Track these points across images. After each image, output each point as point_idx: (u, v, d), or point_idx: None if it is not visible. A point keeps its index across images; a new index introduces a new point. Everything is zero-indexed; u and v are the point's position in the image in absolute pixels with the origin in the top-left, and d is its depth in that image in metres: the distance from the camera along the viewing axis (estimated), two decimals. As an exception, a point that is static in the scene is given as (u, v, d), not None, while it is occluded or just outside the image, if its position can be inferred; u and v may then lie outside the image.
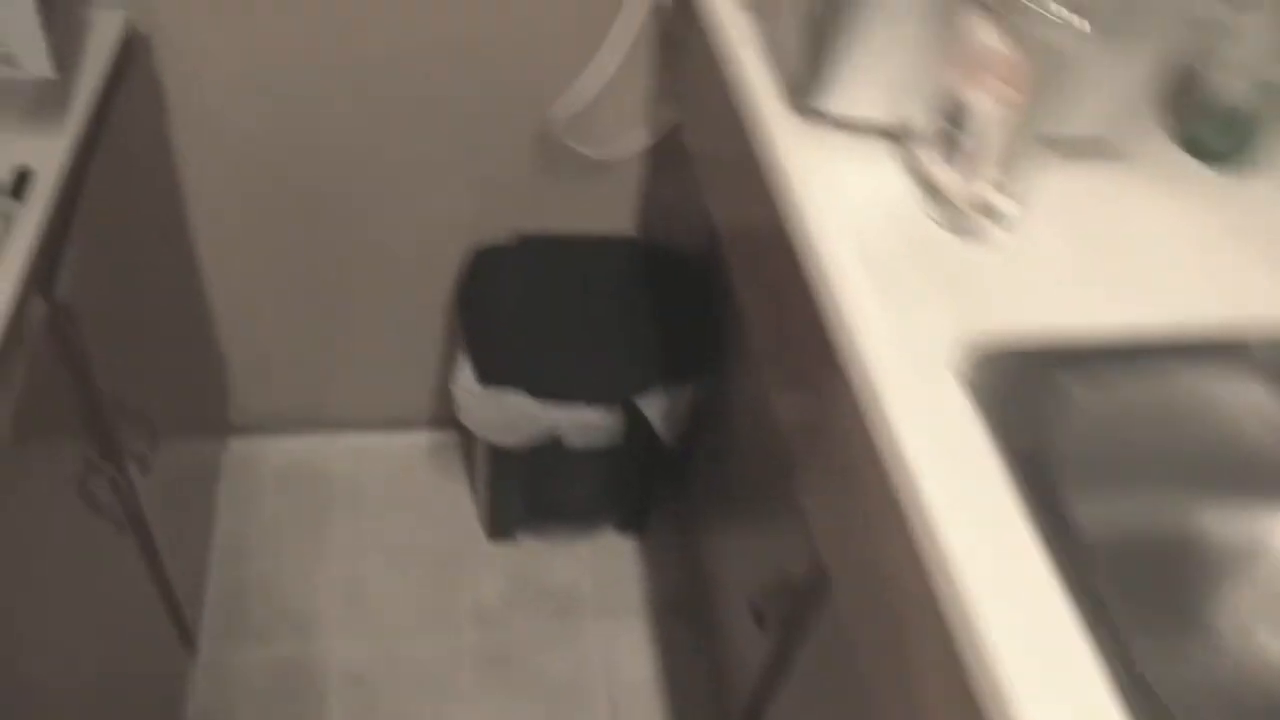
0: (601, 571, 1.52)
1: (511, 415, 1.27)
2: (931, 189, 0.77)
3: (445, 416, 1.59)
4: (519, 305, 1.29)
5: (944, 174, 0.75)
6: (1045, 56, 0.65)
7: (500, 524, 1.51)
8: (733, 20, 0.94)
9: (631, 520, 1.55)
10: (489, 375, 1.26)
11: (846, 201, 0.77)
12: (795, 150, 0.81)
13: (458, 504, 1.56)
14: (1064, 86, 0.66)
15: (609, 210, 1.41)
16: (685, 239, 1.37)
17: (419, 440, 1.63)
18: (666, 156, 1.34)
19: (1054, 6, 0.63)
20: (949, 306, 0.70)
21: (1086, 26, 0.64)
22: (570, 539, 1.54)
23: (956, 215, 0.75)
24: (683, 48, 1.15)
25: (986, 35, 0.68)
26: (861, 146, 0.82)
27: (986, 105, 0.69)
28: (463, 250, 1.39)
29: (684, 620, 1.46)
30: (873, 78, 0.78)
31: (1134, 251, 0.76)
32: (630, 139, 1.32)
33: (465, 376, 1.27)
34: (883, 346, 0.66)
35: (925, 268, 0.73)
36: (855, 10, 0.74)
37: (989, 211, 0.74)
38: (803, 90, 0.81)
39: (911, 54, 0.75)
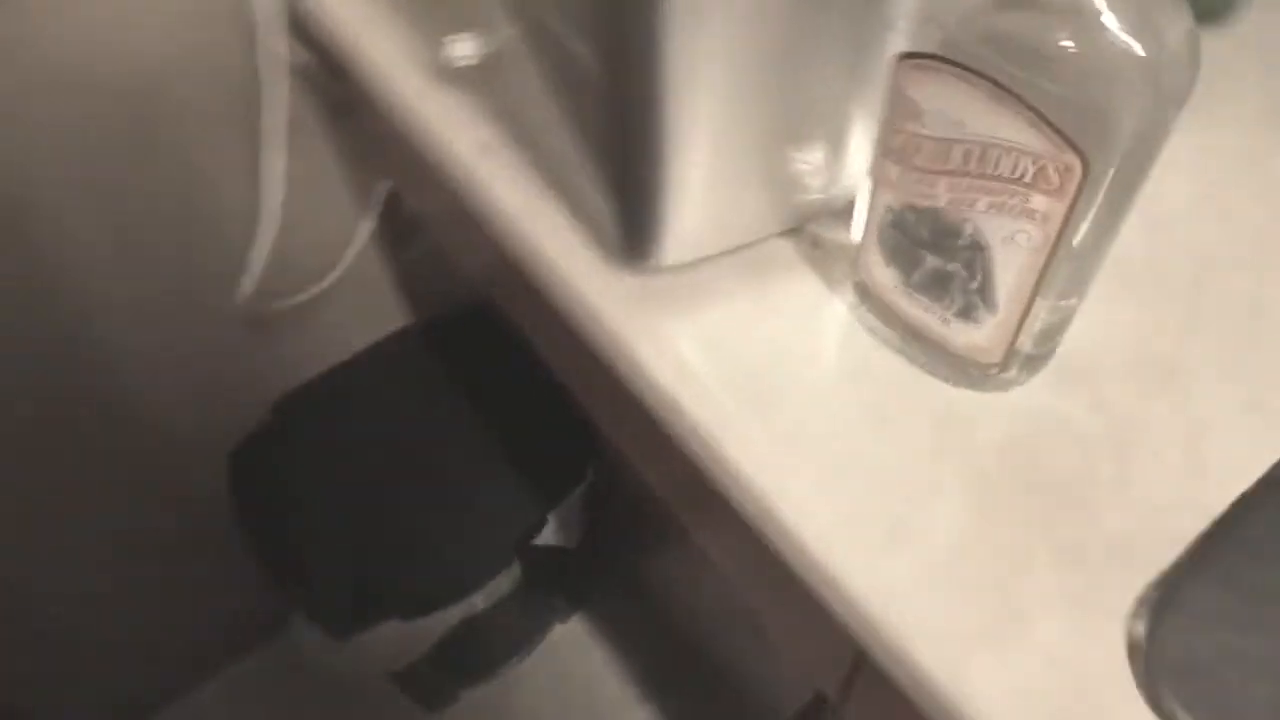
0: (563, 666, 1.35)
1: (388, 647, 0.98)
2: (912, 332, 0.47)
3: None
4: (330, 505, 0.93)
5: (928, 313, 0.45)
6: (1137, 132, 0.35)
7: (431, 703, 1.23)
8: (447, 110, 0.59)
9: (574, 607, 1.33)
10: (341, 623, 0.93)
11: (754, 377, 0.47)
12: (636, 317, 0.50)
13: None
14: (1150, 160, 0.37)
15: (372, 318, 1.08)
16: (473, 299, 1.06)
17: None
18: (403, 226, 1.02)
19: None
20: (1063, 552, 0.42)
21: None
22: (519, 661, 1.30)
23: (968, 365, 0.46)
24: (363, 113, 0.84)
25: (1003, 125, 0.36)
26: (754, 268, 0.51)
27: (1003, 231, 0.39)
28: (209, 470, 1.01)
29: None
30: (741, 191, 0.48)
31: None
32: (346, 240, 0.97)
33: (309, 636, 0.95)
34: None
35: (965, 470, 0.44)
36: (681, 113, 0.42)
37: (1028, 360, 0.45)
38: (624, 243, 0.50)
39: (815, 126, 0.47)
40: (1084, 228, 0.37)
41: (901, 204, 0.41)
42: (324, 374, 1.02)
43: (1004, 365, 0.45)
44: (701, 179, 0.45)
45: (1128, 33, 0.32)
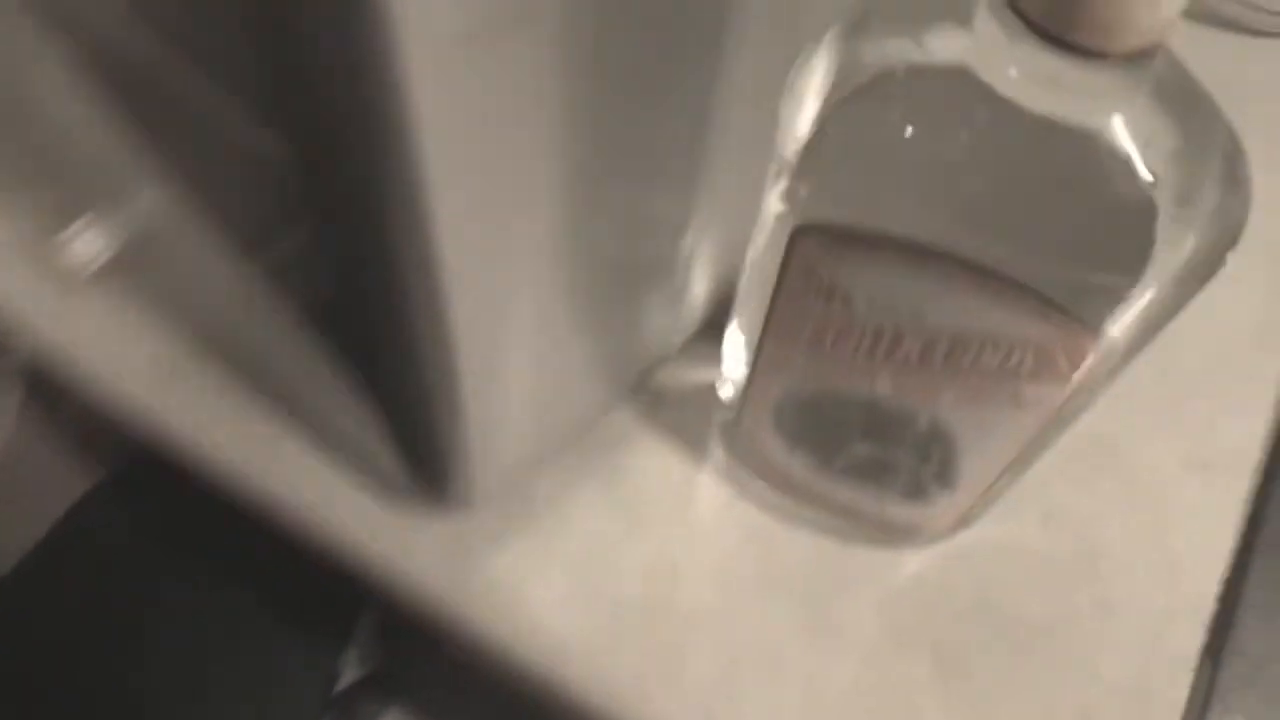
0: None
1: None
2: (827, 508, 0.36)
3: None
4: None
5: (854, 495, 0.34)
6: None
7: None
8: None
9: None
10: None
11: (635, 612, 0.35)
12: (455, 574, 0.36)
13: None
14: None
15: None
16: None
17: None
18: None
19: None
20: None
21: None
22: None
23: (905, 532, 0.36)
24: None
25: (986, 313, 0.25)
26: (589, 460, 0.37)
27: (978, 420, 0.29)
28: None
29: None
30: (563, 385, 0.35)
31: None
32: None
33: None
34: None
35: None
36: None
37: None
38: (416, 482, 0.36)
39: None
40: (1087, 395, 0.27)
41: (813, 390, 0.30)
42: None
43: (953, 526, 0.35)
44: (514, 384, 0.32)
45: (1155, 158, 0.21)
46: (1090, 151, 0.21)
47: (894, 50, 0.22)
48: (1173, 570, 0.38)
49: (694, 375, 0.39)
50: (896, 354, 0.26)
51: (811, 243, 0.25)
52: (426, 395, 0.31)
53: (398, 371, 0.32)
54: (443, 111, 0.20)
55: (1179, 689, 0.35)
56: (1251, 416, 0.42)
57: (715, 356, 0.38)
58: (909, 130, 0.22)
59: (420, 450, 0.35)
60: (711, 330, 0.40)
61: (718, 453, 0.37)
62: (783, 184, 0.25)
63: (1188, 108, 0.22)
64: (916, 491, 0.32)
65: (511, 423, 0.33)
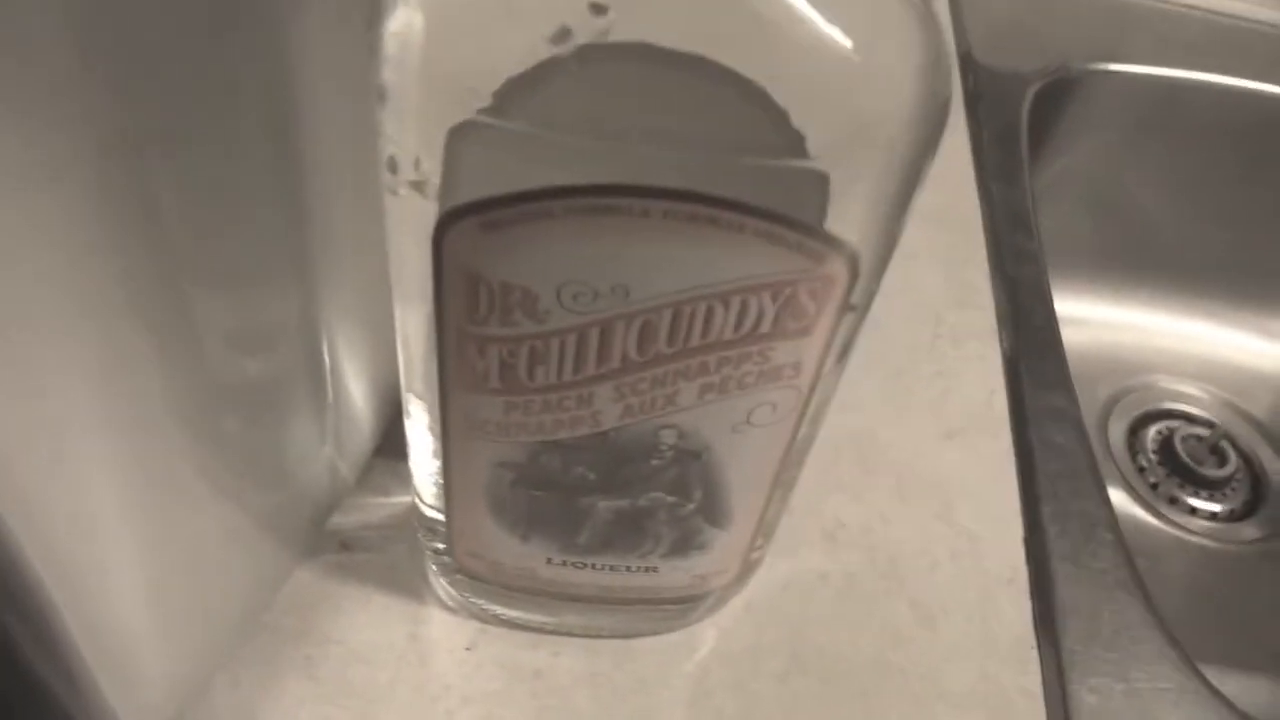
0: None
1: None
2: (582, 603, 0.29)
3: None
4: None
5: (614, 573, 0.27)
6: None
7: None
8: None
9: None
10: None
11: None
12: None
13: None
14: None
15: None
16: None
17: None
18: None
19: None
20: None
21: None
22: None
23: (681, 602, 0.28)
24: None
25: (706, 263, 0.20)
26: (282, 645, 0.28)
27: (730, 418, 0.23)
28: None
29: None
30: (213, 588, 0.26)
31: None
32: None
33: None
34: None
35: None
36: None
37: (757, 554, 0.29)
38: None
39: None
40: (840, 339, 0.22)
41: (524, 451, 0.23)
42: None
43: (739, 576, 0.29)
44: (133, 606, 0.22)
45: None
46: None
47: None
48: (974, 546, 0.34)
49: (383, 503, 0.31)
50: (611, 357, 0.20)
51: (464, 232, 0.18)
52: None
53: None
54: None
55: (1029, 674, 0.31)
56: (981, 371, 0.40)
57: (402, 472, 0.31)
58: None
59: None
60: (392, 442, 0.32)
61: (440, 586, 0.30)
62: (404, 171, 0.18)
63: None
64: (686, 540, 0.25)
65: (148, 652, 0.24)
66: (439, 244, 0.19)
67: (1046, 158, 0.63)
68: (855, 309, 0.21)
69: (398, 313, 0.22)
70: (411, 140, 0.18)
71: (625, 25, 0.16)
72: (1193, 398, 0.66)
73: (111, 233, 0.17)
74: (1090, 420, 0.63)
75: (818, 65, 0.17)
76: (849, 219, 0.19)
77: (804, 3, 0.16)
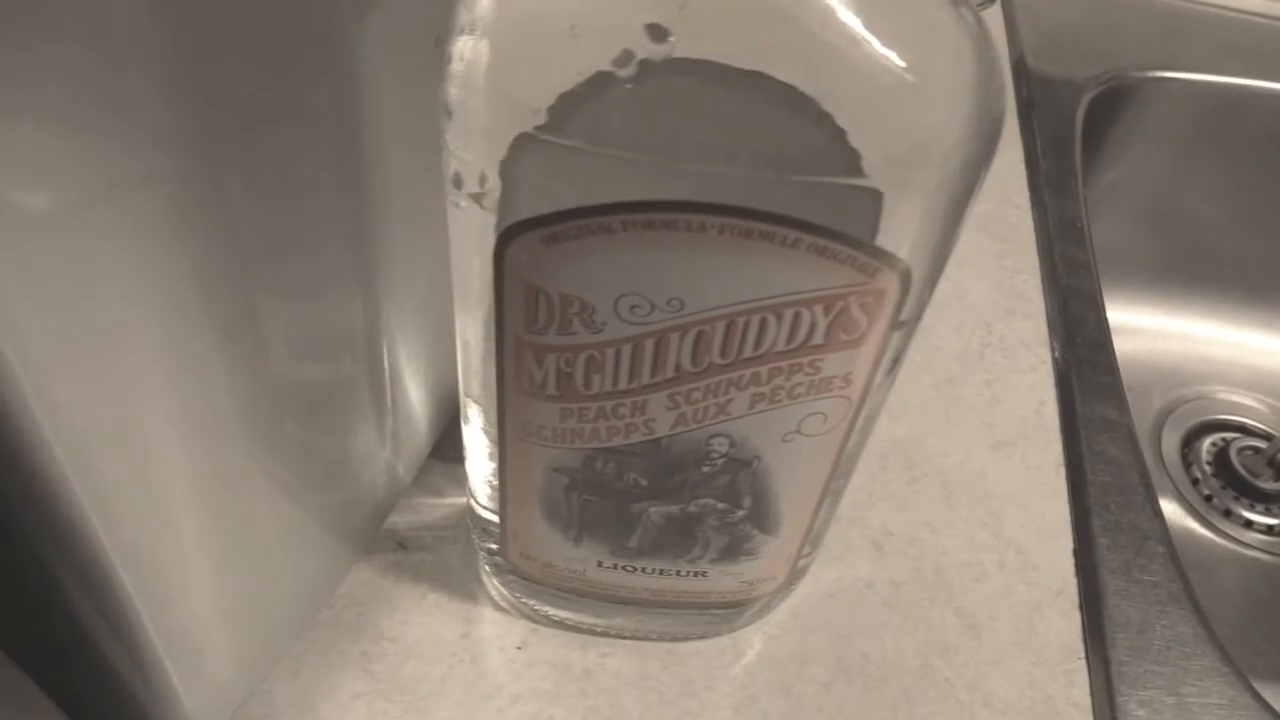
0: None
1: None
2: (633, 606, 0.29)
3: None
4: None
5: (664, 577, 0.27)
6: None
7: None
8: None
9: None
10: None
11: None
12: None
13: None
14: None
15: None
16: None
17: None
18: None
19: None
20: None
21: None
22: None
23: (728, 607, 0.29)
24: None
25: (758, 277, 0.20)
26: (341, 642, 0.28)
27: (781, 428, 0.23)
28: None
29: None
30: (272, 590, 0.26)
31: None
32: None
33: None
34: None
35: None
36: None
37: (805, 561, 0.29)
38: None
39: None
40: (891, 351, 0.22)
41: (578, 457, 0.24)
42: None
43: (786, 582, 0.29)
44: (204, 597, 0.23)
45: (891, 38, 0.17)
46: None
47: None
48: (1022, 558, 0.34)
49: (438, 504, 0.32)
50: (665, 367, 0.21)
51: (525, 245, 0.19)
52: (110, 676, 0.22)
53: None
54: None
55: (1078, 685, 0.31)
56: (1032, 382, 0.40)
57: (457, 475, 0.31)
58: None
59: None
60: (448, 445, 0.33)
61: (493, 586, 0.30)
62: (468, 185, 0.19)
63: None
64: (735, 546, 0.26)
65: (215, 644, 0.25)
66: (500, 255, 0.19)
67: (1101, 166, 0.62)
68: (906, 322, 0.21)
69: (458, 320, 0.23)
70: (475, 156, 0.19)
71: (685, 48, 0.16)
72: (1249, 409, 0.65)
73: (190, 243, 0.18)
74: (1143, 431, 0.62)
75: (873, 85, 0.17)
76: (902, 234, 0.19)
77: (860, 24, 0.17)
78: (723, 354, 0.20)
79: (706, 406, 0.22)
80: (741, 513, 0.25)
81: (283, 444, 0.24)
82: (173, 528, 0.21)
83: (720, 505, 0.24)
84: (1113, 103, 0.60)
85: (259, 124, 0.19)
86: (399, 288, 0.27)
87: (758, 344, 0.20)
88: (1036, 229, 0.47)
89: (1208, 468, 0.61)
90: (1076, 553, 0.34)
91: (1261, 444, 0.62)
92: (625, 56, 0.16)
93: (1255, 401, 0.65)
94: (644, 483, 0.24)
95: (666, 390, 0.21)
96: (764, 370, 0.21)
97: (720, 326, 0.20)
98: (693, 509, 0.24)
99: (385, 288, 0.26)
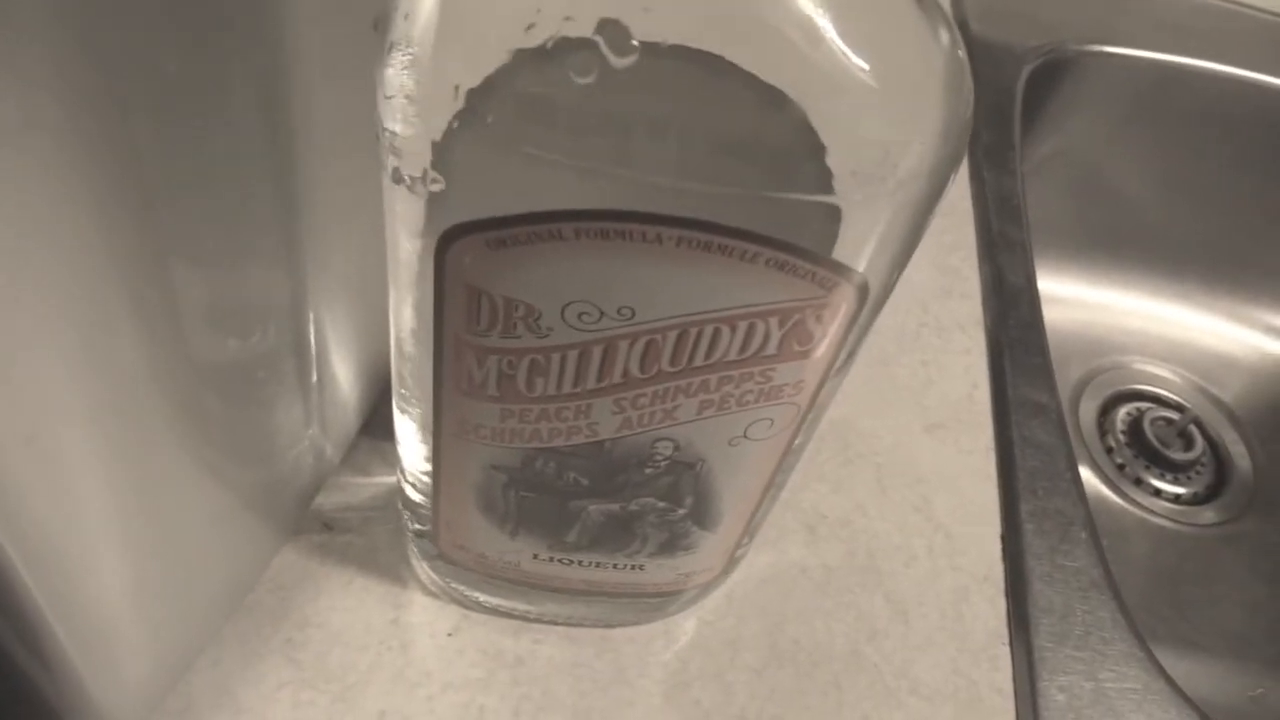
0: None
1: None
2: (567, 592, 0.29)
3: None
4: None
5: (600, 569, 0.27)
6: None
7: None
8: None
9: None
10: None
11: None
12: None
13: None
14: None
15: None
16: None
17: None
18: None
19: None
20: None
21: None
22: None
23: (663, 594, 0.28)
24: None
25: (713, 288, 0.20)
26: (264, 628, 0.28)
27: (727, 433, 0.23)
28: None
29: None
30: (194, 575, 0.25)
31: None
32: None
33: None
34: None
35: None
36: None
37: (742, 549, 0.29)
38: None
39: None
40: (843, 357, 0.22)
41: (518, 456, 0.23)
42: None
43: (723, 571, 0.29)
44: (116, 585, 0.22)
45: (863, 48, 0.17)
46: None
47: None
48: (951, 543, 0.34)
49: (366, 483, 0.31)
50: (612, 373, 0.20)
51: (468, 246, 0.18)
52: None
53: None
54: None
55: (1001, 671, 0.31)
56: (966, 364, 0.40)
57: (385, 452, 0.30)
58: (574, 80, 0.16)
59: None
60: (377, 422, 0.32)
61: (422, 570, 0.30)
62: (406, 168, 0.18)
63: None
64: (674, 542, 0.26)
65: (130, 639, 0.23)
66: (442, 255, 0.18)
67: (1037, 137, 0.62)
68: (860, 328, 0.21)
69: (392, 311, 0.22)
70: (410, 144, 0.17)
71: (651, 41, 0.15)
72: (1165, 380, 0.67)
73: (90, 198, 0.16)
74: (1063, 399, 0.64)
75: (840, 98, 0.16)
76: (861, 246, 0.18)
77: (833, 32, 0.16)
78: (673, 362, 0.20)
79: (653, 412, 0.21)
80: (682, 511, 0.24)
81: (200, 421, 0.23)
82: (78, 511, 0.20)
83: (661, 504, 0.24)
84: (1052, 74, 0.60)
85: (170, 70, 0.17)
86: (326, 261, 0.25)
87: (709, 353, 0.19)
88: (975, 205, 0.47)
89: (1122, 437, 0.63)
90: (1004, 538, 0.34)
91: (1174, 415, 0.64)
92: (584, 61, 0.15)
93: (1170, 373, 0.67)
94: (585, 482, 0.23)
95: (612, 395, 0.20)
96: (714, 379, 0.20)
97: (672, 336, 0.19)
98: (633, 507, 0.24)
99: (313, 258, 0.25)
